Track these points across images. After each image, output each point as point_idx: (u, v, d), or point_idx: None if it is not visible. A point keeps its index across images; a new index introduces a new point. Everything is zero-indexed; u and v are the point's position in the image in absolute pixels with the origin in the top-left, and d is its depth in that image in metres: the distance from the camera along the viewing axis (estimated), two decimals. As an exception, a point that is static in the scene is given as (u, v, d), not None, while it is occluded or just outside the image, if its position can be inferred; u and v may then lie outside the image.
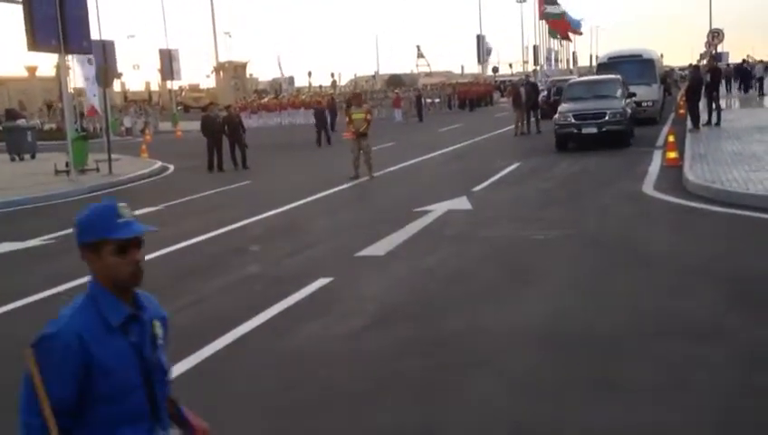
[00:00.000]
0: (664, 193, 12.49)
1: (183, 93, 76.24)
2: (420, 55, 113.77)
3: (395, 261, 9.03)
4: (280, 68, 65.31)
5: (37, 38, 18.32)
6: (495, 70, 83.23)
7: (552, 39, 76.53)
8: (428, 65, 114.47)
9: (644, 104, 24.56)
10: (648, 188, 13.17)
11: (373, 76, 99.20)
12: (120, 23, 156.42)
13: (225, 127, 20.82)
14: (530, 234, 10.10)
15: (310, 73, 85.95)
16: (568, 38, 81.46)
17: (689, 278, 7.60)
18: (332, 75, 78.83)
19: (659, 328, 6.19)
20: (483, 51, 70.20)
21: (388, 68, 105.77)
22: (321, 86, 78.85)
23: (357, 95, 21.41)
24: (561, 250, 9.17)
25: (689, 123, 21.55)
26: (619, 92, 21.18)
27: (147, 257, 8.90)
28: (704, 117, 21.95)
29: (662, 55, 43.43)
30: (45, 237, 11.57)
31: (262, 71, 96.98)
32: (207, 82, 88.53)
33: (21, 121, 28.84)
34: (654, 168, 15.53)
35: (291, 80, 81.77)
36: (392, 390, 5.26)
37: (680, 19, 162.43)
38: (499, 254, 9.18)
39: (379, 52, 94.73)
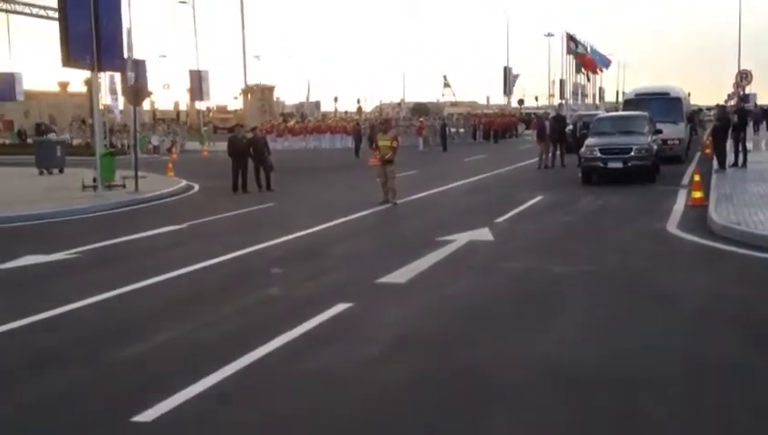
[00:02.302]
0: (688, 233, 12.39)
1: (211, 114, 77.09)
2: (446, 85, 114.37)
3: (415, 289, 9.02)
4: (308, 92, 65.74)
5: (71, 54, 18.66)
6: (521, 102, 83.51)
7: (578, 74, 76.64)
8: (454, 95, 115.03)
9: (670, 142, 24.47)
10: (672, 226, 13.08)
11: (399, 103, 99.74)
12: (152, 42, 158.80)
13: (250, 148, 20.99)
14: (551, 268, 10.05)
15: (336, 99, 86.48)
16: (595, 72, 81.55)
17: (711, 319, 7.52)
18: (358, 101, 79.42)
19: (678, 368, 6.11)
20: (509, 83, 70.46)
21: (414, 96, 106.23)
22: (346, 112, 79.38)
23: (386, 122, 21.53)
24: (581, 285, 9.11)
25: (715, 163, 21.41)
26: (645, 129, 21.15)
27: (168, 276, 8.98)
28: (730, 158, 21.80)
29: (690, 94, 43.25)
30: (69, 252, 11.69)
31: (289, 94, 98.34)
32: (235, 103, 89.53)
33: (51, 136, 29.26)
34: (678, 206, 15.43)
35: (317, 104, 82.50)
36: (407, 422, 5.23)
37: (709, 59, 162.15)
38: (519, 286, 9.14)
39: (405, 79, 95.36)
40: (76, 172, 23.25)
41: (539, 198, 17.74)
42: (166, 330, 7.43)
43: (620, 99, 59.87)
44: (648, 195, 17.78)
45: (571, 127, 31.27)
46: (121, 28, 20.81)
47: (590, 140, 20.85)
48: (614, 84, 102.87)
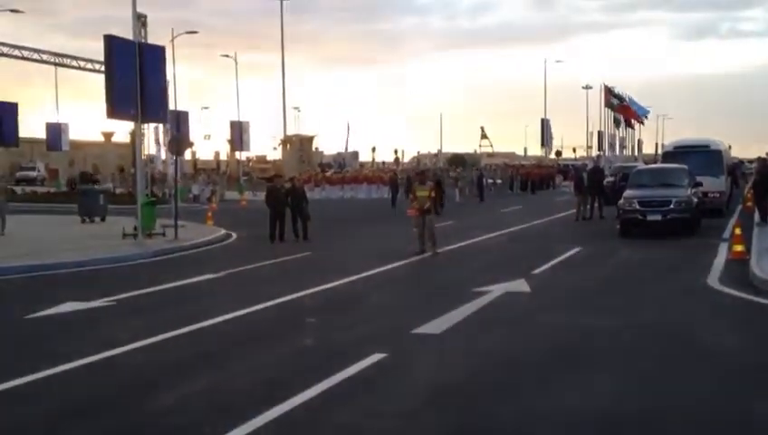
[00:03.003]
0: (729, 287, 12.16)
1: (250, 164, 78.24)
2: (484, 136, 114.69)
3: (451, 340, 8.96)
4: (348, 137, 65.98)
5: (116, 107, 19.18)
6: (559, 153, 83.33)
7: (616, 127, 76.45)
8: (491, 146, 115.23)
9: (710, 195, 24.15)
10: (714, 280, 12.85)
11: (436, 154, 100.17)
12: (195, 93, 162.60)
13: (288, 198, 21.20)
14: (588, 321, 9.92)
15: (374, 149, 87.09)
16: (631, 125, 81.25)
17: (752, 376, 7.33)
18: (395, 152, 79.92)
19: (716, 426, 5.95)
20: (547, 134, 70.50)
21: (452, 147, 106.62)
22: (384, 162, 79.98)
23: (422, 173, 21.62)
24: (619, 340, 8.97)
25: (757, 217, 21.06)
26: (685, 181, 20.94)
27: (203, 324, 9.02)
28: (772, 211, 21.41)
29: (730, 147, 42.80)
30: (108, 299, 11.85)
31: (328, 144, 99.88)
32: (274, 153, 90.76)
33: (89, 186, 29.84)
34: (719, 260, 15.17)
35: (355, 154, 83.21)
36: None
37: (750, 111, 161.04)
38: (556, 340, 9.02)
39: (443, 130, 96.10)
40: (118, 221, 23.67)
41: (576, 249, 17.58)
42: (199, 379, 7.46)
43: (659, 151, 59.51)
44: (687, 248, 17.52)
45: (611, 178, 31.06)
46: (165, 81, 21.38)
47: (628, 192, 20.70)
48: (653, 136, 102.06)
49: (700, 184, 21.84)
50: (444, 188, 36.06)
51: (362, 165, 74.95)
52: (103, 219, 26.55)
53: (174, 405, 6.65)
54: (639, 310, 10.70)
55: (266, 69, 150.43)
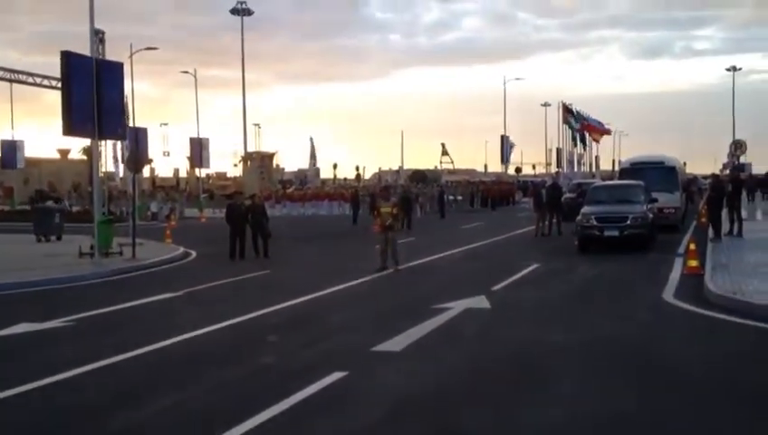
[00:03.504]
0: (684, 302, 12.37)
1: (210, 181, 77.62)
2: (445, 153, 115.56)
3: (411, 357, 8.97)
4: (312, 147, 65.67)
5: (73, 123, 18.90)
6: (518, 170, 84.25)
7: (574, 144, 77.55)
8: (452, 162, 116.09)
9: (666, 211, 24.61)
10: (668, 295, 13.08)
11: (397, 171, 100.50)
12: (154, 110, 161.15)
13: (248, 215, 21.08)
14: (547, 337, 10.01)
15: (335, 166, 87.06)
16: (601, 135, 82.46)
17: (707, 390, 7.47)
18: (357, 168, 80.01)
19: (677, 441, 6.05)
20: (506, 151, 71.22)
21: (412, 163, 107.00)
22: (345, 178, 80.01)
23: (385, 189, 21.69)
24: (577, 355, 9.07)
25: (711, 232, 21.51)
26: (641, 198, 21.34)
27: (162, 344, 8.91)
28: (725, 227, 21.91)
29: (685, 163, 43.78)
30: (64, 319, 11.64)
31: (289, 161, 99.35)
32: (235, 170, 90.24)
33: (49, 203, 29.34)
34: (675, 275, 15.45)
35: (316, 171, 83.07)
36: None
37: (705, 128, 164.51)
38: (515, 355, 9.09)
39: (404, 147, 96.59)
40: (74, 239, 23.29)
41: (535, 265, 17.76)
42: (156, 399, 7.36)
43: (616, 168, 60.50)
44: (644, 263, 17.81)
45: (569, 195, 31.46)
46: (123, 97, 21.21)
47: (585, 208, 21.00)
48: (609, 153, 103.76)
49: (656, 200, 22.26)
50: (412, 205, 36.28)
51: (324, 182, 74.87)
52: (59, 238, 26.09)
53: (124, 430, 6.54)
54: (596, 325, 10.84)
55: (227, 85, 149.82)
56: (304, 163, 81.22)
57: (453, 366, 8.62)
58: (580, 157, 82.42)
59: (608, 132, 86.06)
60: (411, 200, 36.70)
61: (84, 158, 59.70)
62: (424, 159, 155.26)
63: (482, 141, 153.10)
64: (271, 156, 68.32)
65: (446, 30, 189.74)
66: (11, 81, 47.64)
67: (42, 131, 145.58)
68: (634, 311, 11.94)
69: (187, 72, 59.74)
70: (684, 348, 9.42)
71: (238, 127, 56.76)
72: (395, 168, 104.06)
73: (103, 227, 20.28)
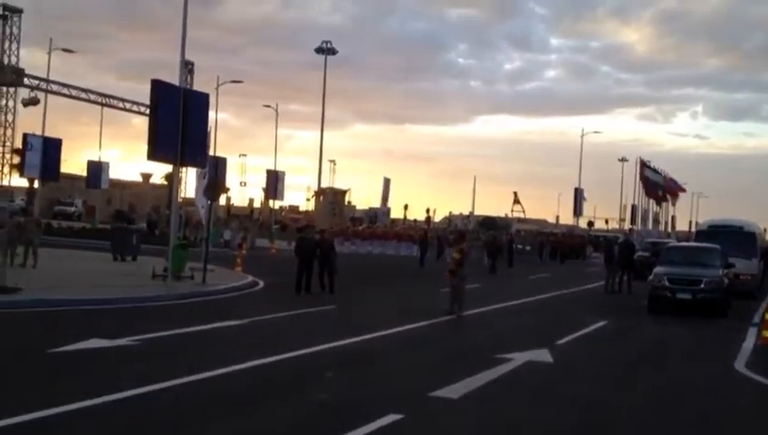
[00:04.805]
0: (756, 373, 11.93)
1: (283, 213, 78.92)
2: (516, 201, 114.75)
3: (468, 406, 8.90)
4: (386, 188, 66.04)
5: (157, 149, 19.62)
6: (591, 224, 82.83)
7: (650, 200, 76.01)
8: (523, 211, 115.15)
9: (742, 277, 23.84)
10: (740, 365, 12.63)
11: (467, 216, 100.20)
12: (234, 141, 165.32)
13: (317, 250, 21.34)
14: (609, 398, 9.80)
15: (406, 206, 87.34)
16: (665, 199, 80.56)
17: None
18: (427, 211, 79.98)
19: None
20: (579, 203, 70.28)
21: (483, 210, 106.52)
22: (415, 220, 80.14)
23: (460, 233, 21.49)
24: (639, 418, 8.84)
25: (790, 302, 20.73)
26: (717, 262, 20.74)
27: (224, 371, 9.05)
28: (806, 297, 21.08)
29: (765, 230, 42.32)
30: (132, 338, 11.97)
31: (360, 199, 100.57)
32: (307, 204, 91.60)
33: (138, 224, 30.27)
34: (748, 344, 14.92)
35: (387, 211, 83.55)
36: None
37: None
38: (574, 412, 8.91)
39: (475, 192, 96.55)
40: (149, 261, 23.96)
41: (603, 322, 17.40)
42: (206, 429, 7.45)
43: (693, 229, 58.96)
44: (716, 330, 17.27)
45: (642, 253, 30.85)
46: (206, 127, 21.87)
47: (658, 269, 20.53)
48: (686, 214, 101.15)
49: (732, 265, 21.60)
50: (502, 251, 36.63)
51: (393, 222, 75.20)
52: (135, 259, 26.89)
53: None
54: (663, 389, 10.55)
55: (307, 121, 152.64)
56: (376, 202, 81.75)
57: (510, 419, 8.51)
58: (656, 215, 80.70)
59: (682, 190, 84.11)
60: (501, 246, 36.92)
61: (165, 183, 61.55)
62: (495, 206, 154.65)
63: (555, 193, 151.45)
64: (343, 193, 69.22)
65: (526, 79, 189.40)
66: (102, 104, 49.75)
67: (127, 155, 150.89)
68: (702, 379, 11.58)
69: (269, 105, 61.31)
70: (752, 421, 9.08)
71: (314, 162, 57.85)
72: (465, 212, 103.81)
73: (177, 251, 20.84)
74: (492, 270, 33.47)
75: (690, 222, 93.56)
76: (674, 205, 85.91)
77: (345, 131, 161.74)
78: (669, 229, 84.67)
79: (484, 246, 39.33)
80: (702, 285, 19.39)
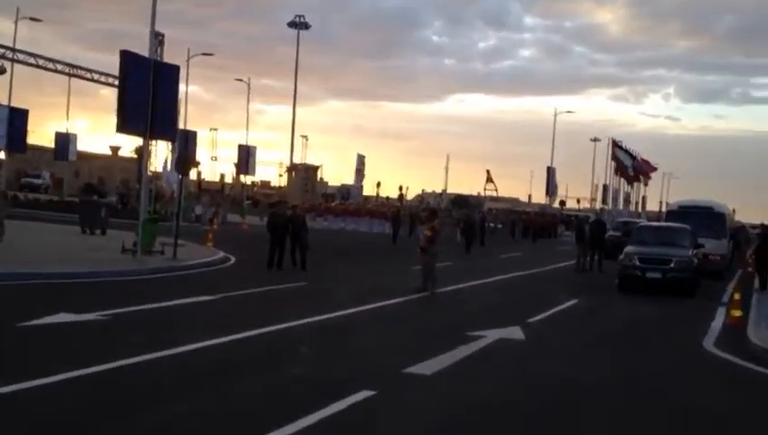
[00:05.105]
0: (724, 351, 12.08)
1: (255, 189, 78.46)
2: (489, 180, 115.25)
3: (441, 383, 8.89)
4: (360, 164, 65.69)
5: (127, 122, 19.27)
6: (563, 203, 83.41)
7: (621, 180, 76.68)
8: (496, 190, 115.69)
9: (711, 257, 24.14)
10: (709, 344, 12.79)
11: (440, 194, 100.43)
12: (205, 115, 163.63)
13: (289, 226, 21.18)
14: (579, 375, 9.85)
15: (379, 184, 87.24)
16: (637, 179, 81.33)
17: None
18: (400, 188, 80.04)
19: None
20: (552, 183, 70.70)
21: (456, 187, 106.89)
22: (388, 197, 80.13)
23: (432, 211, 21.32)
24: (608, 396, 8.91)
25: (756, 283, 21.03)
26: (687, 242, 20.95)
27: (194, 346, 8.90)
28: (771, 278, 21.38)
29: (734, 210, 42.95)
30: (101, 313, 11.79)
31: (333, 175, 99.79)
32: (280, 180, 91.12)
33: (96, 197, 29.83)
34: (716, 324, 15.11)
35: (359, 188, 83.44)
36: None
37: (757, 177, 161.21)
38: (544, 390, 8.94)
39: (448, 170, 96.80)
40: (118, 235, 23.65)
41: (574, 301, 17.53)
42: (179, 403, 7.37)
43: (663, 209, 59.64)
44: (686, 309, 17.47)
45: (613, 233, 31.10)
46: (176, 100, 21.51)
47: (629, 248, 20.69)
48: (657, 194, 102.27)
49: (702, 245, 21.84)
50: (475, 230, 36.59)
51: (366, 199, 75.13)
52: (104, 232, 26.53)
53: (148, 432, 6.56)
54: (630, 367, 10.65)
55: (279, 96, 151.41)
56: (348, 178, 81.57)
57: (482, 395, 8.51)
58: (627, 195, 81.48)
59: (654, 170, 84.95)
60: (474, 225, 36.97)
61: (134, 156, 60.80)
62: (468, 184, 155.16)
63: (527, 172, 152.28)
64: (316, 169, 69.01)
65: (500, 58, 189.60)
66: (69, 75, 48.82)
67: (96, 127, 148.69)
68: (671, 357, 11.71)
69: (241, 79, 60.75)
70: (717, 397, 9.17)
71: (286, 138, 57.45)
72: (438, 190, 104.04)
73: (147, 225, 20.56)
74: (467, 250, 33.52)
75: (661, 202, 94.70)
76: (646, 185, 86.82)
77: (318, 107, 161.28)
78: (640, 209, 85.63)
79: (457, 225, 39.50)
80: (672, 265, 19.59)
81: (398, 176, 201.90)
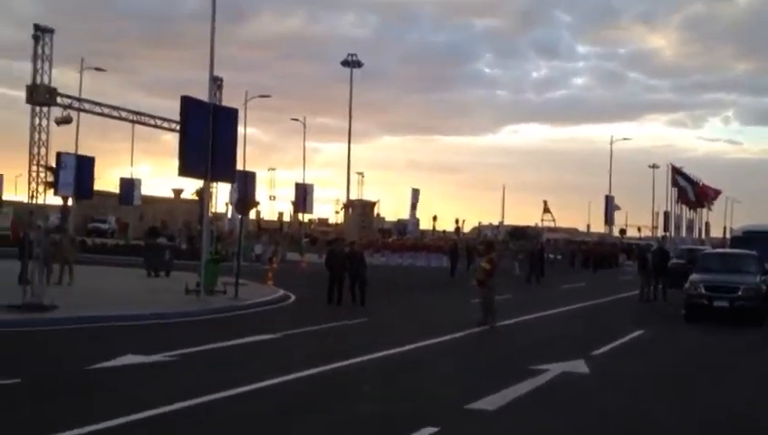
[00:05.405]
0: (800, 381, 11.69)
1: (312, 226, 79.18)
2: (546, 210, 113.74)
3: (504, 419, 8.80)
4: (414, 198, 65.66)
5: (188, 164, 19.79)
6: (623, 232, 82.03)
7: (683, 207, 75.04)
8: (554, 220, 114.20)
9: (780, 284, 23.35)
10: (783, 373, 12.38)
11: (497, 226, 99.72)
12: (263, 156, 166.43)
13: (347, 262, 21.33)
14: (649, 409, 9.64)
15: (435, 217, 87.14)
16: (701, 205, 79.45)
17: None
18: (456, 221, 79.78)
19: None
20: (611, 212, 69.62)
21: (513, 219, 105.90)
22: (444, 231, 79.92)
23: (489, 244, 21.21)
24: (680, 431, 8.68)
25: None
26: (754, 268, 20.37)
27: (257, 386, 9.04)
28: None
29: (803, 234, 41.49)
30: (168, 354, 12.03)
31: (389, 211, 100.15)
32: (337, 217, 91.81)
33: (161, 240, 30.58)
34: (789, 352, 14.63)
35: (416, 222, 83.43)
36: None
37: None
38: (612, 427, 8.77)
39: (504, 202, 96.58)
40: (182, 276, 24.11)
41: (639, 332, 17.16)
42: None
43: (728, 235, 58.11)
44: (754, 338, 16.97)
45: (677, 261, 30.43)
46: (235, 142, 21.99)
47: (694, 276, 20.21)
48: (720, 220, 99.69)
49: (769, 271, 21.19)
50: (543, 261, 36.56)
51: (423, 233, 75.04)
52: (168, 274, 27.10)
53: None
54: (702, 401, 10.36)
55: (334, 133, 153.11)
56: (404, 213, 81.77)
57: (547, 431, 8.40)
58: (690, 222, 79.63)
59: (718, 193, 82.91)
60: (538, 256, 36.79)
61: (196, 198, 62.10)
62: (525, 215, 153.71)
63: (585, 201, 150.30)
64: (372, 204, 69.26)
65: (554, 87, 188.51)
66: (133, 121, 50.16)
67: (158, 171, 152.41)
68: (744, 389, 11.36)
69: (296, 119, 61.68)
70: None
71: (342, 175, 58.16)
72: (495, 222, 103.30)
73: (210, 265, 20.96)
74: (528, 280, 33.49)
75: (724, 228, 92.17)
76: (710, 210, 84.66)
77: (372, 143, 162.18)
78: (703, 236, 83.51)
79: (525, 257, 39.14)
80: (740, 293, 19.04)
81: (453, 209, 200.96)
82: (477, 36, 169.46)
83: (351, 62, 56.06)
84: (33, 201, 18.94)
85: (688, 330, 18.24)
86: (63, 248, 22.49)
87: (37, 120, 19.28)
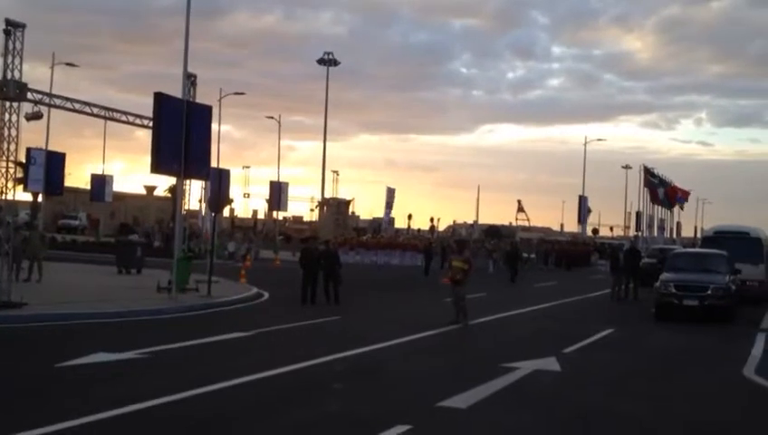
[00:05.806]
0: (766, 379, 11.85)
1: (287, 224, 78.94)
2: (521, 209, 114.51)
3: (476, 417, 8.83)
4: (389, 197, 65.71)
5: (161, 162, 19.61)
6: (595, 231, 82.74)
7: (655, 207, 75.88)
8: (528, 220, 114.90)
9: (749, 283, 23.72)
10: (750, 372, 12.55)
11: (472, 225, 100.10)
12: (237, 153, 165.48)
13: (321, 260, 21.30)
14: (618, 407, 9.73)
15: (410, 216, 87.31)
16: (679, 199, 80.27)
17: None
18: (431, 220, 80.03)
19: None
20: (584, 211, 70.20)
21: (487, 218, 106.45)
22: (419, 230, 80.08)
23: (462, 242, 21.45)
24: (651, 427, 8.77)
25: (797, 308, 20.62)
26: (723, 268, 20.65)
27: (229, 384, 9.00)
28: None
29: (772, 235, 42.12)
30: (139, 351, 11.93)
31: (364, 209, 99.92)
32: (311, 215, 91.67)
33: (133, 237, 30.35)
34: (757, 351, 14.83)
35: (390, 221, 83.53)
36: None
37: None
38: (583, 423, 8.85)
39: (479, 201, 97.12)
40: (153, 274, 23.94)
41: (610, 330, 17.33)
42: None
43: (698, 235, 58.86)
44: (725, 336, 17.19)
45: (648, 260, 30.78)
46: (209, 139, 21.84)
47: (665, 275, 20.45)
48: (692, 220, 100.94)
49: (739, 271, 21.51)
50: (520, 260, 37.03)
51: (398, 231, 75.10)
52: (139, 271, 26.88)
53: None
54: (670, 398, 10.48)
55: (309, 132, 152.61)
56: (379, 212, 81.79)
57: (519, 428, 8.45)
58: (661, 222, 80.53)
59: (687, 193, 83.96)
60: (519, 256, 37.27)
61: (169, 195, 61.61)
62: (499, 214, 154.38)
63: (559, 201, 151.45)
64: (347, 203, 69.18)
65: (529, 88, 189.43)
66: (105, 118, 49.69)
67: (131, 168, 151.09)
68: (711, 386, 11.52)
69: (272, 117, 61.37)
70: (764, 429, 9.00)
71: (317, 173, 57.98)
72: (470, 221, 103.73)
73: (182, 263, 20.81)
74: (512, 280, 33.89)
75: (695, 228, 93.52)
76: (682, 209, 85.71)
77: (348, 142, 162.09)
78: (675, 236, 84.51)
79: (489, 256, 39.40)
80: (709, 292, 19.30)
81: (429, 208, 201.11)
82: (455, 36, 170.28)
83: (328, 61, 55.95)
84: (3, 197, 18.64)
85: (658, 328, 18.45)
86: (33, 245, 22.19)
87: (7, 116, 18.99)
